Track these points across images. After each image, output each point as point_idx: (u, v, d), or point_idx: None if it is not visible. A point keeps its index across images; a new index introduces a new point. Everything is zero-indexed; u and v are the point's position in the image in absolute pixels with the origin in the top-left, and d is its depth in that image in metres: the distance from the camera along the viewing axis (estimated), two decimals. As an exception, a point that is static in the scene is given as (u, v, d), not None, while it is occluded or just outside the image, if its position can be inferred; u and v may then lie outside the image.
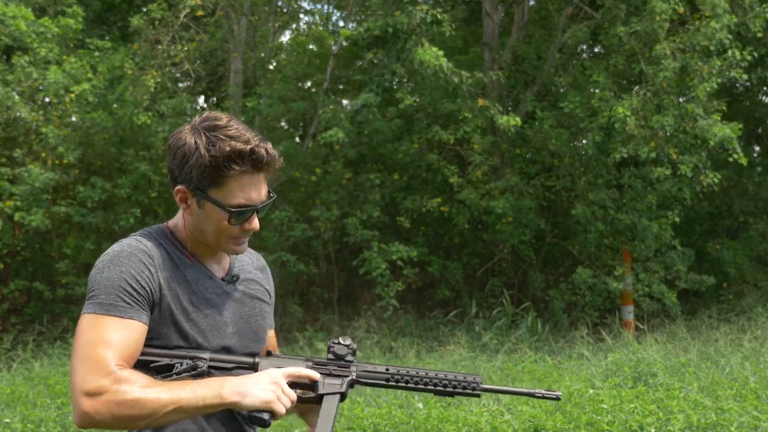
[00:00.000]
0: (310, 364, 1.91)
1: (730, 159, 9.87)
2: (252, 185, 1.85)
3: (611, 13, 10.44)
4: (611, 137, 10.38)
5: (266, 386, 1.77)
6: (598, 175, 11.06)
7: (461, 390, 1.93)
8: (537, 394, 1.97)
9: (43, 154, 10.71)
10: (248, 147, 1.81)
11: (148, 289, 1.81)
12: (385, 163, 12.93)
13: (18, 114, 10.26)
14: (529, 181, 11.61)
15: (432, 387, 1.93)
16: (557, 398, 1.97)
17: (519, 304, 11.27)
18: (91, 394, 1.66)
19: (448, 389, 1.92)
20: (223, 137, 1.81)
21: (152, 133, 11.24)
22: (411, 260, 11.36)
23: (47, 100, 11.33)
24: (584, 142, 11.17)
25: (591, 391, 6.02)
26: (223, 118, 1.86)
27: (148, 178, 11.15)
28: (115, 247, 1.86)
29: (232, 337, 1.93)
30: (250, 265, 2.10)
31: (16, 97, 10.42)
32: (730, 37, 9.62)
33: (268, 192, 1.91)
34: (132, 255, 1.82)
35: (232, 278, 1.99)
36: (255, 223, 1.90)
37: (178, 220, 1.98)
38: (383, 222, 11.98)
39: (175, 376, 1.78)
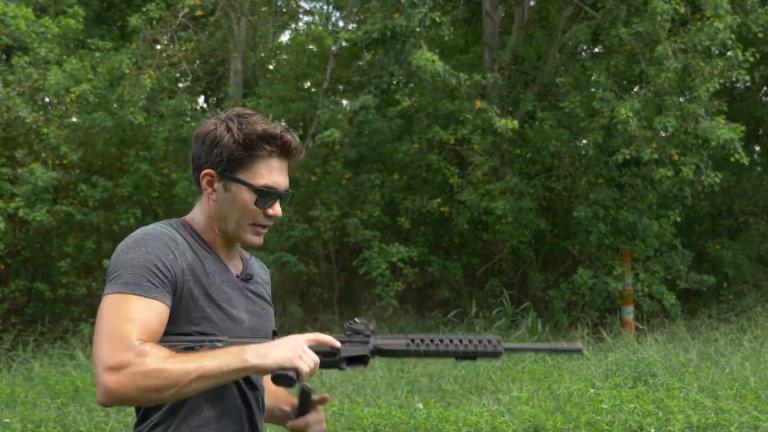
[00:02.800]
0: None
1: (732, 159, 9.85)
2: (278, 170, 1.93)
3: (612, 14, 10.44)
4: (612, 137, 10.38)
5: (287, 346, 1.79)
6: (598, 175, 11.06)
7: (482, 352, 1.90)
8: (559, 348, 1.96)
9: (44, 154, 10.71)
10: (278, 131, 1.90)
11: (172, 272, 1.81)
12: (385, 163, 12.93)
13: (19, 114, 10.26)
14: (529, 181, 11.61)
15: (453, 352, 1.90)
16: (579, 351, 1.96)
17: (519, 304, 11.27)
18: (115, 369, 1.65)
19: (469, 353, 1.90)
20: (254, 122, 1.91)
21: (152, 133, 11.24)
22: (411, 260, 11.36)
23: (47, 100, 11.33)
24: (584, 142, 11.17)
25: (591, 391, 6.02)
26: (250, 110, 1.96)
27: (148, 178, 11.15)
28: (139, 231, 1.87)
29: (246, 333, 1.95)
30: (261, 271, 2.13)
31: (17, 98, 10.42)
32: (733, 37, 9.60)
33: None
34: (157, 238, 1.84)
35: (246, 276, 2.02)
36: (278, 209, 1.95)
37: (195, 215, 2.00)
38: (383, 222, 11.98)
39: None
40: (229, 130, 1.89)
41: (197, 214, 1.99)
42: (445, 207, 11.68)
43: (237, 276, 1.99)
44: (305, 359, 1.79)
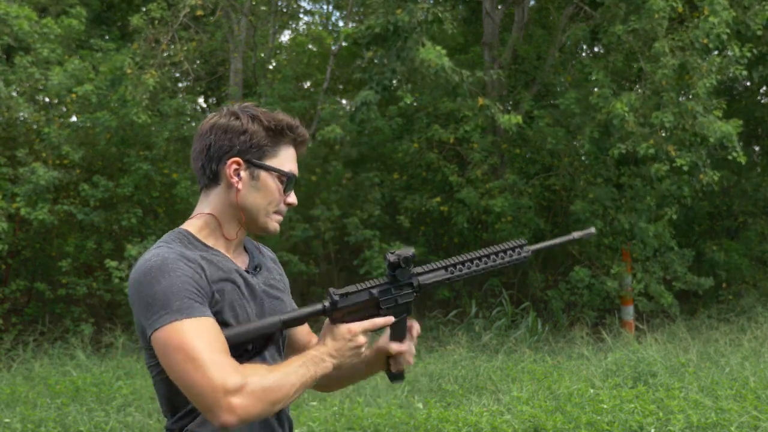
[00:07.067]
0: (376, 293, 1.94)
1: (730, 157, 9.83)
2: (293, 158, 1.99)
3: (611, 12, 10.44)
4: (609, 134, 10.36)
5: (352, 353, 1.90)
6: (597, 174, 11.05)
7: (512, 261, 2.03)
8: (575, 237, 2.13)
9: (44, 154, 10.71)
10: (296, 121, 1.97)
11: (205, 288, 1.82)
12: (385, 163, 12.94)
13: (20, 114, 10.24)
14: (529, 180, 11.62)
15: (489, 267, 2.02)
16: (592, 233, 2.15)
17: (519, 304, 11.27)
18: (236, 391, 1.69)
19: (500, 265, 2.02)
20: (272, 111, 1.97)
21: (153, 133, 11.24)
22: (411, 260, 11.33)
23: (47, 100, 11.32)
24: (580, 139, 11.16)
25: (591, 391, 6.03)
26: (250, 104, 2.00)
27: (149, 178, 11.15)
28: (152, 259, 1.82)
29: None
30: (267, 255, 2.14)
31: (20, 98, 10.41)
32: (728, 31, 9.57)
33: None
34: (176, 260, 1.81)
35: (254, 268, 2.02)
36: (294, 197, 2.01)
37: (196, 221, 1.97)
38: (383, 221, 11.98)
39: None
40: (254, 118, 1.92)
41: (208, 210, 1.96)
42: (445, 206, 11.69)
43: (246, 270, 1.98)
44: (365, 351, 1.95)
